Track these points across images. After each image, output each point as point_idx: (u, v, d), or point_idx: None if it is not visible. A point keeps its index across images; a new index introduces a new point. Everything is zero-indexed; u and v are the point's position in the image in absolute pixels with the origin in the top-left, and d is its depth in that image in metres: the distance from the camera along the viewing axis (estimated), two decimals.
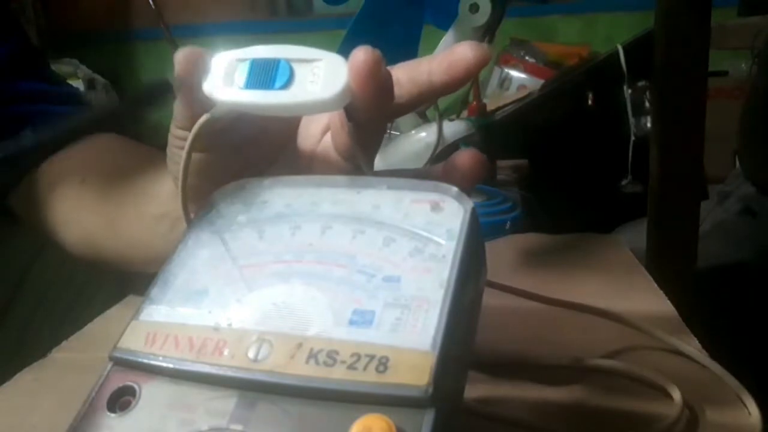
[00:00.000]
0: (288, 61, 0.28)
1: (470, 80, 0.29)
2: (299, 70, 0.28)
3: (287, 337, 0.24)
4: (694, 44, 0.66)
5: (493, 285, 0.34)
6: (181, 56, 0.29)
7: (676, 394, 0.36)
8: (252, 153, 0.36)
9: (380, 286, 0.25)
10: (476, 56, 0.28)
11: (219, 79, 0.29)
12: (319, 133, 0.36)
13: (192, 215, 0.29)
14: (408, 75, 0.30)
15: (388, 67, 0.28)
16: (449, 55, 0.29)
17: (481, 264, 0.28)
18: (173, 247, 0.29)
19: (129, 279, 0.66)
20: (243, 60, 0.29)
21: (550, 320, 0.45)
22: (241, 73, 0.29)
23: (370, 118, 0.29)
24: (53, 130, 0.28)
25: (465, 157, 0.30)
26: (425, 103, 0.31)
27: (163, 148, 0.36)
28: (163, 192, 0.47)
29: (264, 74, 0.28)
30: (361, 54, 0.27)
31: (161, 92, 0.29)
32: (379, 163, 0.58)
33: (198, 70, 0.29)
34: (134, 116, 0.28)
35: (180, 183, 0.30)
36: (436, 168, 0.32)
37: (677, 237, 0.70)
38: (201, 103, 0.30)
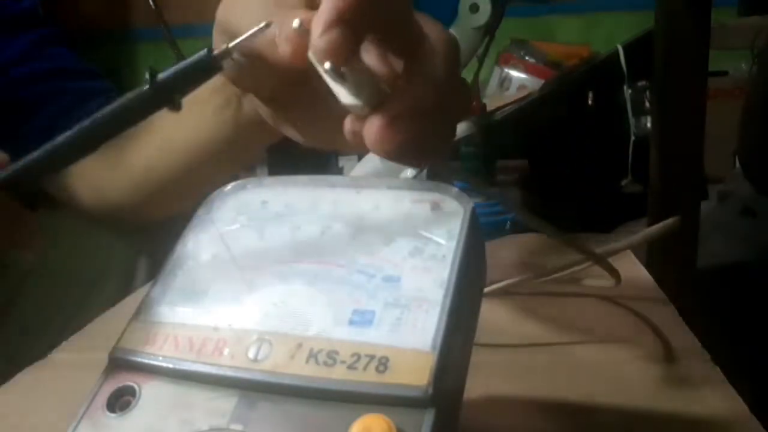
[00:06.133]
0: None
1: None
2: None
3: (287, 337, 0.24)
4: (694, 44, 0.66)
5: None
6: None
7: None
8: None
9: (380, 286, 0.25)
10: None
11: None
12: None
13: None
14: None
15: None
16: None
17: (481, 264, 0.28)
18: (173, 247, 0.29)
19: (130, 278, 0.66)
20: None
21: None
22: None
23: None
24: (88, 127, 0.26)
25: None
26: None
27: None
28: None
29: None
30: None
31: (202, 68, 0.26)
32: (379, 163, 0.58)
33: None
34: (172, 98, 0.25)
35: None
36: None
37: (677, 237, 0.70)
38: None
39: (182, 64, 0.26)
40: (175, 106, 0.26)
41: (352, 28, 0.25)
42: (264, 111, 0.32)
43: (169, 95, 0.25)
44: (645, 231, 0.45)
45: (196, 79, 0.26)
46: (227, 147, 0.53)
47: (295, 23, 0.25)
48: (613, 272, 0.40)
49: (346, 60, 0.25)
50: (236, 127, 0.49)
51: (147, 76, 0.25)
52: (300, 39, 0.26)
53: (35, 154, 0.26)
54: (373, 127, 0.26)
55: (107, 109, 0.26)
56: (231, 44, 0.26)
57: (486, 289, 0.42)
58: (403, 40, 0.28)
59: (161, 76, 0.25)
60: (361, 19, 0.25)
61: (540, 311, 0.48)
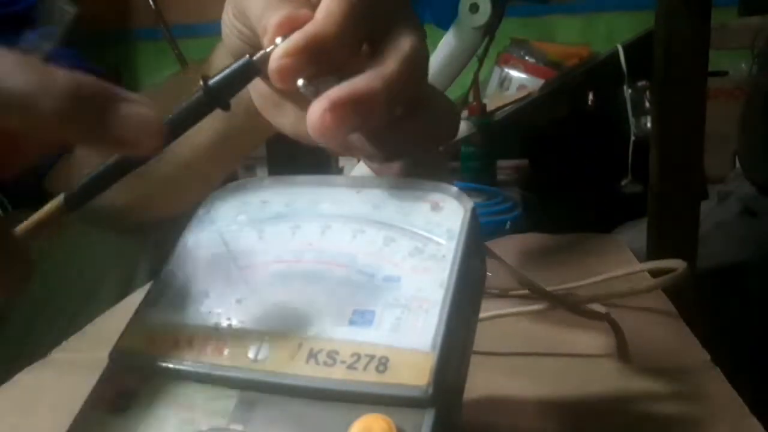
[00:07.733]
0: None
1: None
2: None
3: (287, 337, 0.24)
4: (694, 44, 0.66)
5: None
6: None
7: None
8: None
9: (380, 286, 0.25)
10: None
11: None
12: None
13: None
14: None
15: None
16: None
17: (481, 264, 0.28)
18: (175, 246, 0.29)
19: (130, 278, 0.66)
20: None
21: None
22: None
23: None
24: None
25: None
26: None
27: None
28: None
29: None
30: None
31: (244, 72, 0.28)
32: None
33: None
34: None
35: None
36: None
37: (677, 237, 0.70)
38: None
39: (228, 70, 0.28)
40: (226, 107, 0.28)
41: (313, 56, 0.26)
42: (258, 95, 0.32)
43: (219, 97, 0.28)
44: (653, 280, 0.44)
45: (240, 82, 0.28)
46: (221, 142, 0.53)
47: (278, 41, 0.26)
48: (599, 316, 0.40)
49: (309, 78, 0.26)
50: (229, 121, 0.49)
51: (201, 83, 0.28)
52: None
53: (104, 166, 0.28)
54: (314, 112, 0.25)
55: (168, 116, 0.28)
56: (268, 49, 0.27)
57: (485, 315, 0.42)
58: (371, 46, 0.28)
59: (212, 81, 0.28)
60: (327, 49, 0.26)
61: (540, 315, 0.48)
